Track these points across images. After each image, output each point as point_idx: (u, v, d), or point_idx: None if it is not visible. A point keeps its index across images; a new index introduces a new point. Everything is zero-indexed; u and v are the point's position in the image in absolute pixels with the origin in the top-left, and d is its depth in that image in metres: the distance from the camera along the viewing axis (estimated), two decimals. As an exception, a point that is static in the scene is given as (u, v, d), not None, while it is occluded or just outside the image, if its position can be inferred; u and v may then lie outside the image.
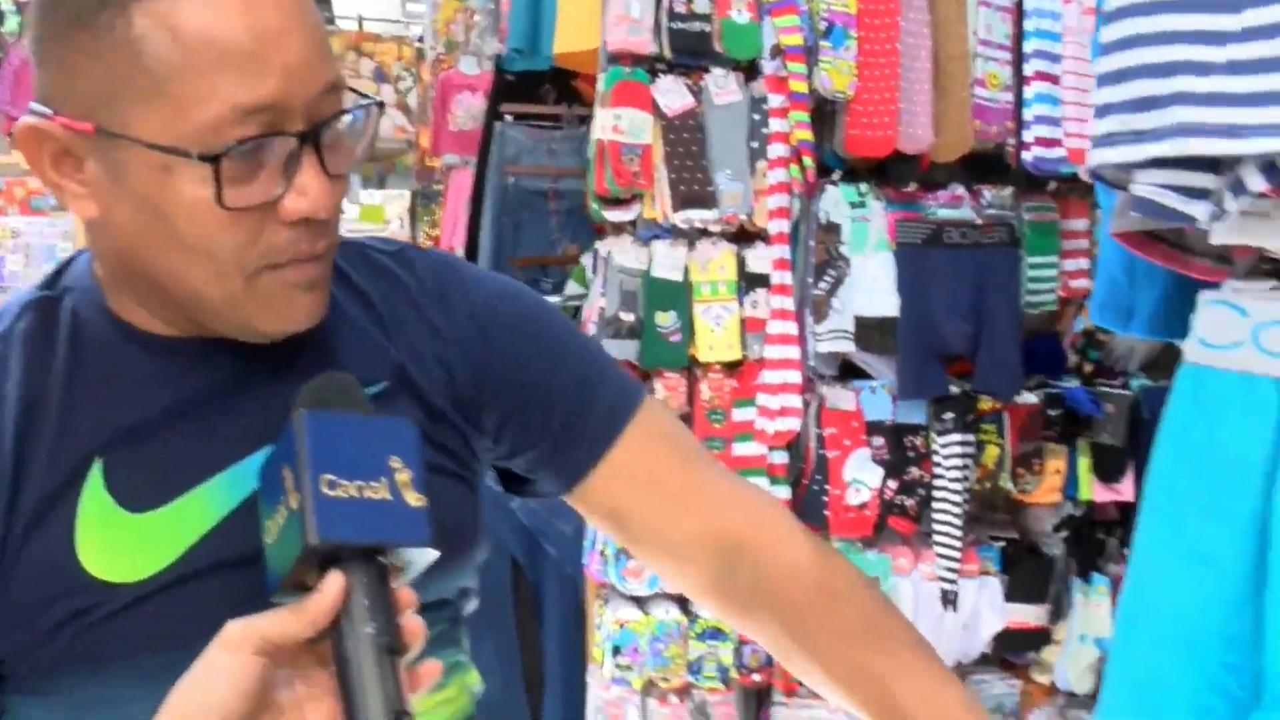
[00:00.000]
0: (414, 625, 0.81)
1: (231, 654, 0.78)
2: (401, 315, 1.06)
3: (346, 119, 0.91)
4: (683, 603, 2.95)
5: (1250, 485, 1.00)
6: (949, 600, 2.86)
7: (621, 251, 2.83)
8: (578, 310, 3.17)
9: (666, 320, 2.81)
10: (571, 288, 3.44)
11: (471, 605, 1.17)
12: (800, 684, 2.96)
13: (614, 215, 2.86)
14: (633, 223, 2.90)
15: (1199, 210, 1.00)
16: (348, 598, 0.78)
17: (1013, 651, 3.10)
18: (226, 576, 0.90)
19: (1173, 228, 1.14)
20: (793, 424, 2.75)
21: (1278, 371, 1.00)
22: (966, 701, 1.11)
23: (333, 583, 0.79)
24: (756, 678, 2.96)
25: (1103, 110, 1.03)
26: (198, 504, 0.91)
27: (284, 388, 0.87)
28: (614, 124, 2.79)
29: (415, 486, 0.81)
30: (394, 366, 1.03)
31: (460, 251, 4.32)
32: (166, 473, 0.92)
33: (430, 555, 0.83)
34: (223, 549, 0.91)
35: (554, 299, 3.53)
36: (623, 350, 2.79)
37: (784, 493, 2.82)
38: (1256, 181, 0.95)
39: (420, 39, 6.36)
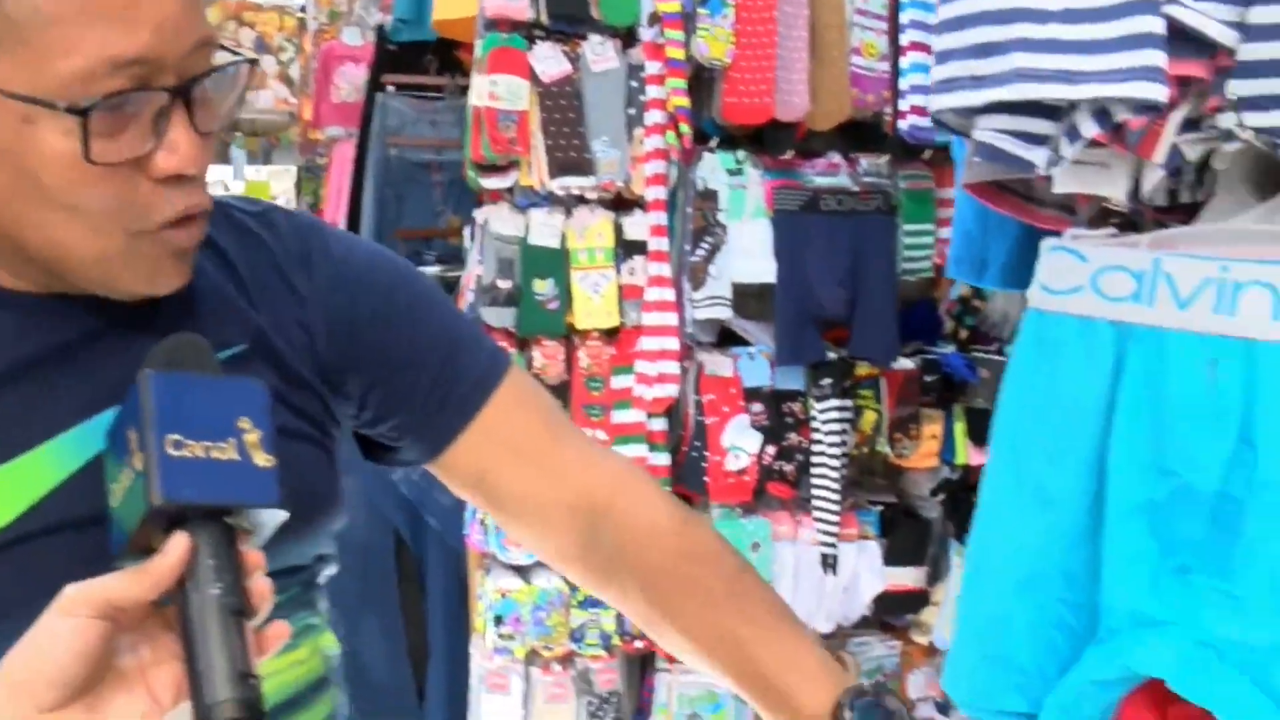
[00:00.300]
0: (262, 587, 0.79)
1: (69, 617, 0.75)
2: (263, 278, 1.04)
3: (218, 76, 0.88)
4: (564, 571, 2.95)
5: (1088, 427, 1.02)
6: (829, 564, 2.90)
7: (499, 219, 2.81)
8: (458, 281, 3.15)
9: (544, 288, 2.79)
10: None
11: (329, 570, 1.15)
12: (682, 650, 2.98)
13: (491, 182, 2.84)
14: (510, 190, 2.88)
15: (1038, 156, 1.02)
16: (193, 559, 0.76)
17: (892, 613, 3.15)
18: (69, 538, 0.88)
19: (1019, 178, 1.16)
20: (671, 390, 2.76)
21: (1115, 315, 1.02)
22: (824, 663, 1.12)
23: (177, 543, 0.76)
24: (639, 644, 2.97)
25: (943, 56, 1.04)
26: (40, 462, 0.88)
27: (138, 348, 0.84)
28: (490, 90, 2.77)
29: (264, 448, 0.79)
30: (253, 330, 1.01)
31: (343, 225, 4.26)
32: (8, 429, 0.89)
33: (279, 516, 0.82)
34: (66, 509, 0.88)
35: (432, 270, 3.50)
36: (500, 318, 2.77)
37: (663, 460, 2.83)
38: (1089, 127, 0.97)
39: (302, 9, 6.24)
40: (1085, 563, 1.02)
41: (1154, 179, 1.02)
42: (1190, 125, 0.96)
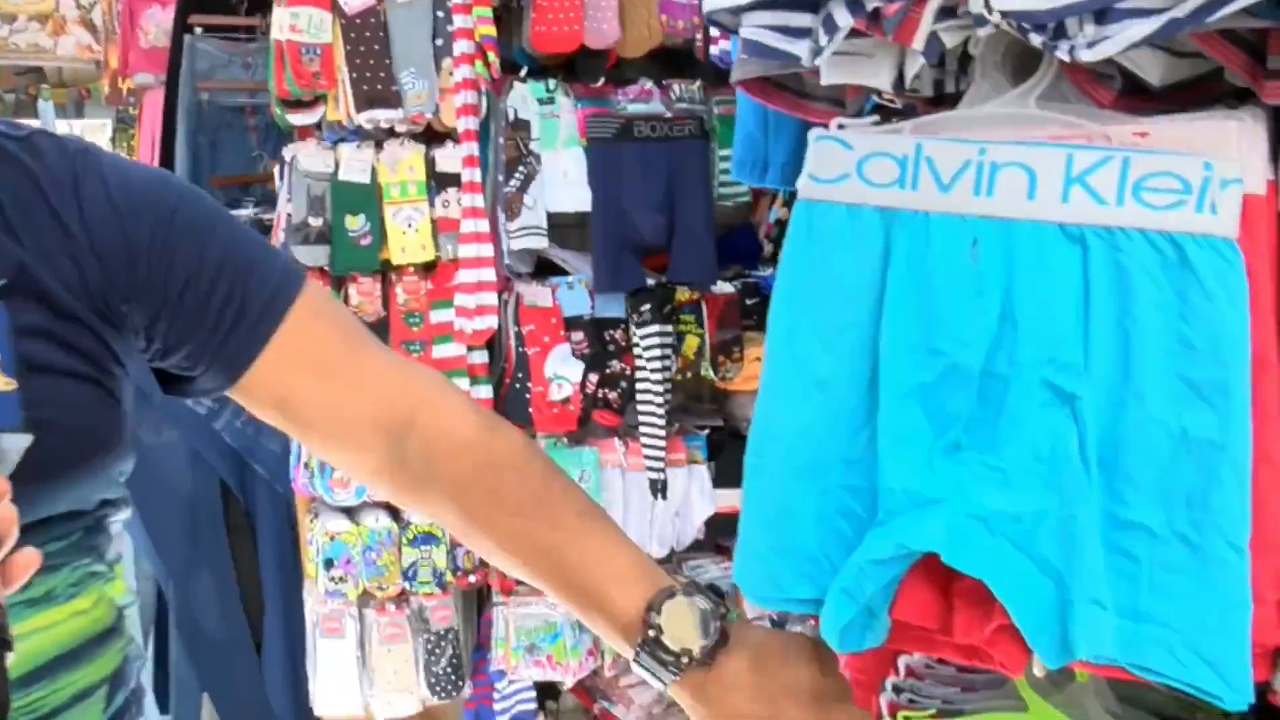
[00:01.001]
0: (5, 513, 0.76)
1: None
2: (28, 208, 0.99)
3: None
4: (393, 510, 2.93)
5: (860, 313, 1.04)
6: (658, 489, 2.92)
7: (307, 155, 2.74)
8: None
9: (356, 224, 2.74)
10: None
11: (119, 516, 1.11)
12: (518, 582, 2.99)
13: (297, 118, 2.78)
14: (318, 126, 2.82)
15: (801, 49, 1.03)
16: None
17: (724, 536, 3.20)
18: None
19: (793, 73, 1.17)
20: (490, 323, 2.74)
21: (881, 201, 1.04)
22: (636, 564, 1.12)
23: None
24: (472, 579, 2.97)
25: (710, -46, 1.04)
26: None
27: None
28: (291, 23, 2.70)
29: (4, 370, 0.77)
30: (14, 264, 0.97)
31: (154, 173, 4.10)
32: None
33: (22, 441, 0.79)
34: None
35: (247, 213, 3.41)
36: (313, 256, 2.72)
37: (485, 393, 2.82)
38: (844, 16, 0.98)
39: (102, -50, 5.98)
40: (864, 447, 1.04)
41: (915, 65, 1.04)
42: (947, 13, 0.98)
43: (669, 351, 2.90)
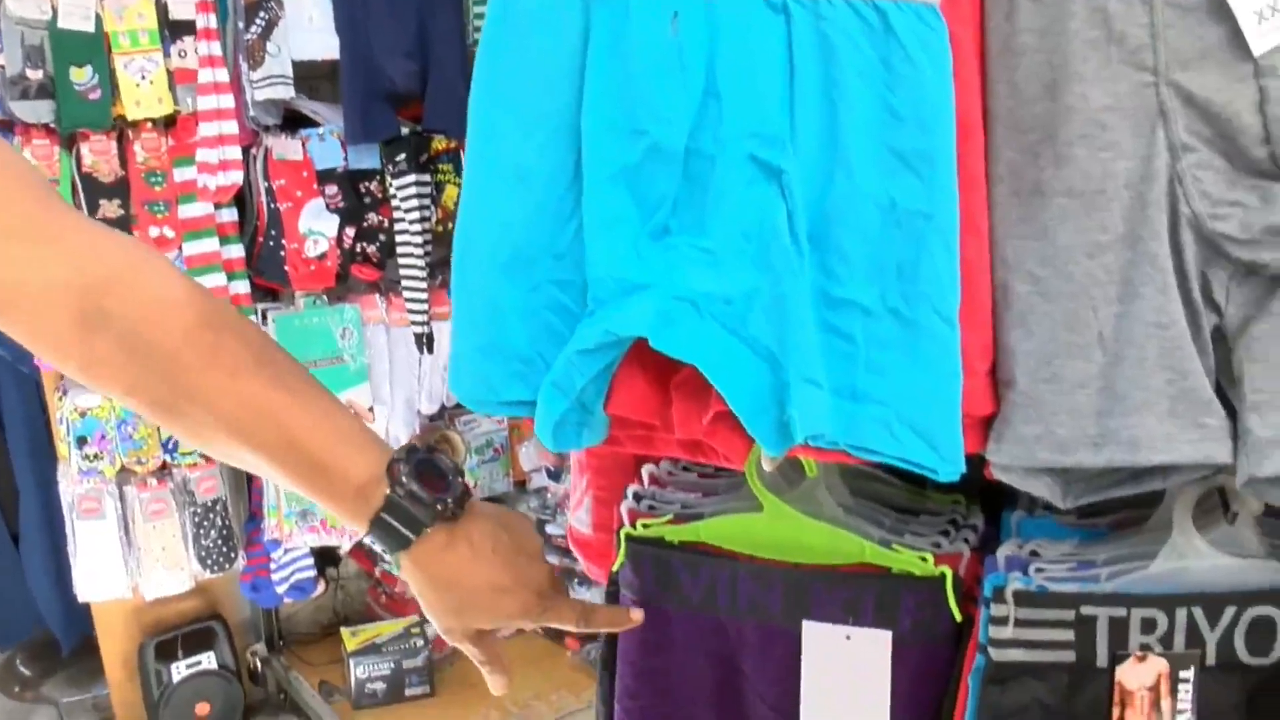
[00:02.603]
0: None
1: None
2: None
3: None
4: (146, 381, 2.78)
5: (561, 98, 0.99)
6: (424, 343, 2.85)
7: (18, 0, 2.52)
8: None
9: (83, 76, 2.55)
10: None
11: None
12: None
13: (6, -37, 2.55)
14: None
15: None
16: None
17: (497, 389, 3.15)
18: None
19: None
20: (235, 178, 2.61)
21: (581, -16, 0.98)
22: (365, 429, 1.04)
23: None
24: (237, 448, 2.87)
25: None
26: None
27: None
28: None
29: None
30: None
31: None
32: None
33: None
34: None
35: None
36: (35, 112, 2.52)
37: (236, 252, 2.69)
38: None
39: None
40: (572, 239, 1.00)
41: None
42: None
43: (428, 202, 2.81)
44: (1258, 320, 0.93)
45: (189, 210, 2.66)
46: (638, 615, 1.11)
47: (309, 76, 2.79)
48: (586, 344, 0.96)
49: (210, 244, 2.66)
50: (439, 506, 0.98)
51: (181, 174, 2.65)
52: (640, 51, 0.95)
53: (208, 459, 2.83)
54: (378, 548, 0.98)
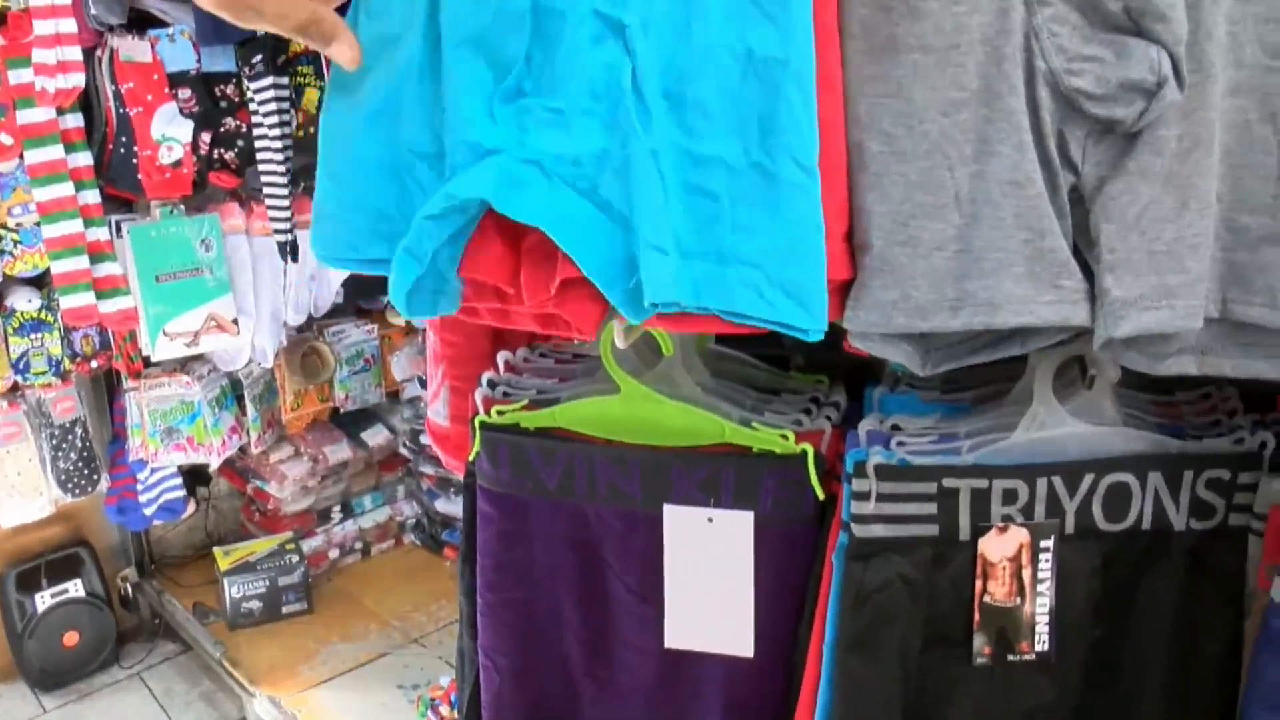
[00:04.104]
0: None
1: None
2: None
3: None
4: (-8, 297, 2.66)
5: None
6: (288, 252, 2.76)
7: None
8: None
9: (-94, -29, 2.39)
10: None
11: None
12: (147, 362, 2.80)
13: None
14: None
15: None
16: None
17: (365, 297, 3.07)
18: None
19: None
20: (77, 81, 2.47)
21: None
22: None
23: None
24: (95, 365, 2.75)
25: None
26: None
27: None
28: None
29: None
30: None
31: None
32: None
33: None
34: None
35: None
36: None
37: (85, 160, 2.55)
38: None
39: None
40: (432, 103, 0.94)
41: None
42: None
43: (287, 106, 2.70)
44: (1113, 179, 0.91)
45: (28, 115, 2.51)
46: None
47: (157, -27, 2.66)
48: (435, 209, 0.91)
49: (54, 151, 2.53)
50: None
51: (16, 76, 2.50)
52: (483, -94, 0.89)
53: (64, 379, 2.71)
54: None
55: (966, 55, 0.89)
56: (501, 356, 1.27)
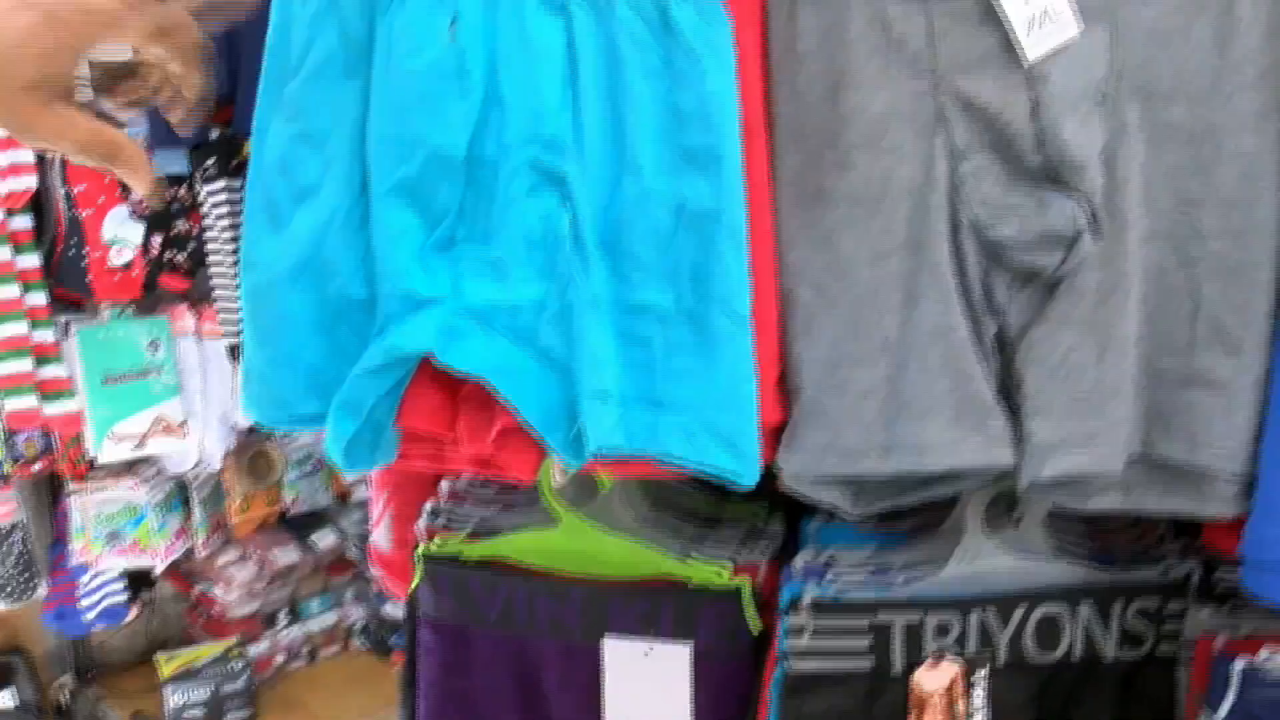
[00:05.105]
0: None
1: None
2: None
3: None
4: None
5: (347, 109, 0.95)
6: (237, 355, 2.76)
7: None
8: None
9: None
10: None
11: None
12: (91, 465, 2.77)
13: None
14: None
15: None
16: None
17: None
18: None
19: None
20: (28, 182, 2.48)
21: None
22: None
23: None
24: (37, 467, 2.73)
25: None
26: None
27: None
28: None
29: None
30: None
31: None
32: None
33: None
34: None
35: None
36: None
37: (33, 261, 2.55)
38: None
39: None
40: (362, 254, 0.95)
41: None
42: None
43: (239, 209, 2.71)
44: (1036, 325, 0.94)
45: (-21, 218, 2.52)
46: None
47: (112, 78, 2.67)
48: (373, 363, 0.92)
49: (3, 253, 2.52)
50: None
51: (-32, 179, 2.51)
52: (418, 58, 0.91)
53: (4, 481, 2.68)
54: None
55: (893, 206, 0.92)
56: (444, 484, 1.28)
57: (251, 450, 3.01)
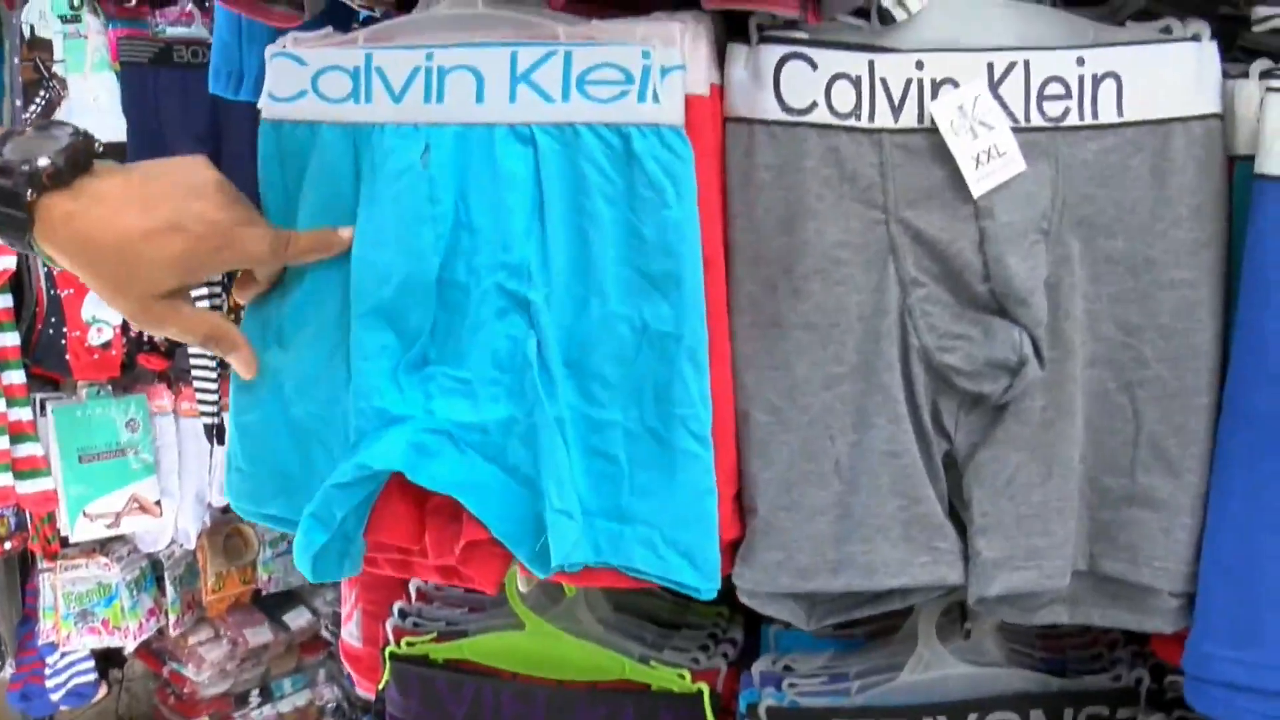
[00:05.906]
0: None
1: None
2: None
3: None
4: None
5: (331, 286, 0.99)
6: (214, 435, 2.78)
7: None
8: None
9: None
10: None
11: None
12: (64, 543, 2.78)
13: None
14: None
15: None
16: None
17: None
18: None
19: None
20: (8, 264, 2.51)
21: (338, 117, 1.00)
22: None
23: None
24: (9, 546, 2.73)
25: None
26: None
27: None
28: None
29: None
30: None
31: None
32: None
33: None
34: None
35: None
36: None
37: (12, 340, 2.57)
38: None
39: None
40: (342, 371, 0.99)
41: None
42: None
43: (219, 289, 2.75)
44: (983, 447, 0.97)
45: (-41, 298, 2.55)
46: (346, 235, 0.98)
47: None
48: (344, 478, 0.95)
49: (-16, 333, 2.55)
50: (26, 167, 0.85)
51: (-56, 261, 2.54)
52: (394, 187, 0.96)
53: (-22, 558, 2.69)
54: (15, 246, 0.87)
55: (846, 333, 0.96)
56: (414, 584, 1.30)
57: (226, 529, 3.02)
